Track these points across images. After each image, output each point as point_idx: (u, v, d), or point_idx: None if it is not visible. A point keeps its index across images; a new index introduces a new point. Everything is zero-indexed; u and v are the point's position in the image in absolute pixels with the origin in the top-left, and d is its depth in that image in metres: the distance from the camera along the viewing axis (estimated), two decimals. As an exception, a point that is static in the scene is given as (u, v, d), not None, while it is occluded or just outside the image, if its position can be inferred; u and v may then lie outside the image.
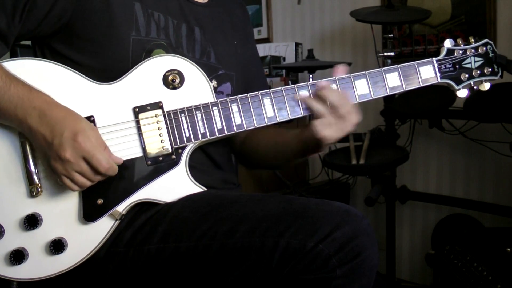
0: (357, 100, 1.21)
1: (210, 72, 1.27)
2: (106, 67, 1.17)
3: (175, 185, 1.15)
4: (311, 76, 2.64)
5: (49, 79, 1.12)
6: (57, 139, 1.03)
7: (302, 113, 1.20)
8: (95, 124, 1.12)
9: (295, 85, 1.20)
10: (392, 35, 2.43)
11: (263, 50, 3.18)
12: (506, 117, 2.14)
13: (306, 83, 1.20)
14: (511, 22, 2.46)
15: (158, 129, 1.14)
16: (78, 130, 1.04)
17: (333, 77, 1.20)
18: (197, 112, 1.16)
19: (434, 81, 1.26)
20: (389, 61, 2.36)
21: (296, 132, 1.27)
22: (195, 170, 1.18)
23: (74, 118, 1.07)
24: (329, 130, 1.15)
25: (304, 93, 1.19)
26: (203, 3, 1.34)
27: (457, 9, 2.62)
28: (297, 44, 3.17)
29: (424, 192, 2.78)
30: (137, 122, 1.14)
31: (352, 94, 1.20)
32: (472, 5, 2.56)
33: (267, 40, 3.46)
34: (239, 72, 1.39)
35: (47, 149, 1.05)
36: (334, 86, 1.20)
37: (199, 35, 1.29)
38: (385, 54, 2.35)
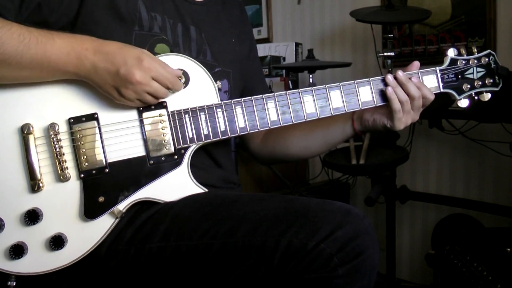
0: (361, 107, 1.24)
1: (207, 70, 1.27)
2: None
3: (177, 185, 1.15)
4: (311, 76, 2.64)
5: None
6: (122, 68, 1.06)
7: (306, 118, 1.21)
8: (98, 122, 1.12)
9: (299, 90, 1.21)
10: (392, 35, 2.43)
11: (263, 50, 3.18)
12: (506, 117, 2.14)
13: (310, 88, 1.21)
14: (511, 22, 2.46)
15: (162, 129, 1.15)
16: (139, 55, 1.08)
17: (338, 84, 1.23)
18: (201, 113, 1.16)
19: (436, 91, 1.27)
20: (389, 61, 2.36)
21: (348, 116, 1.33)
22: (195, 168, 1.18)
23: (128, 47, 1.11)
24: (405, 118, 1.24)
25: (309, 98, 1.21)
26: (199, 1, 1.35)
27: (457, 9, 2.62)
28: (297, 44, 3.17)
29: (424, 192, 2.79)
30: (141, 121, 1.14)
31: (355, 100, 1.22)
32: (472, 5, 2.56)
33: (267, 40, 3.46)
34: (236, 68, 1.39)
35: (115, 81, 1.07)
36: (338, 92, 1.22)
37: (195, 33, 1.30)
38: (385, 54, 2.35)
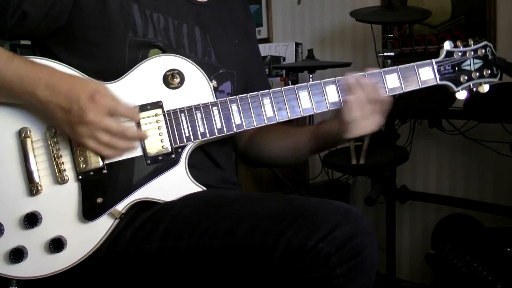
0: None
1: (211, 71, 1.27)
2: (102, 68, 1.17)
3: (175, 185, 1.15)
4: (311, 76, 2.64)
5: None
6: (75, 105, 1.04)
7: (302, 114, 1.20)
8: None
9: (295, 86, 1.21)
10: (392, 35, 2.43)
11: (263, 50, 3.17)
12: (506, 117, 2.14)
13: (305, 83, 1.21)
14: (511, 22, 2.46)
15: (158, 128, 1.14)
16: (93, 91, 1.05)
17: (333, 79, 1.21)
18: (197, 111, 1.16)
19: (433, 83, 1.26)
20: (389, 61, 2.36)
21: (311, 129, 1.30)
22: (194, 169, 1.18)
23: (83, 81, 1.08)
24: (365, 121, 1.19)
25: (304, 94, 1.20)
26: (203, 2, 1.34)
27: (457, 9, 2.62)
28: (297, 44, 3.17)
29: (424, 192, 2.78)
30: (137, 121, 1.14)
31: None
32: (472, 5, 2.55)
33: (267, 40, 3.46)
34: (240, 70, 1.39)
35: (66, 117, 1.05)
36: (333, 87, 1.21)
37: (199, 34, 1.29)
38: (385, 54, 2.35)
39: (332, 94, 1.21)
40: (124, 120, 1.10)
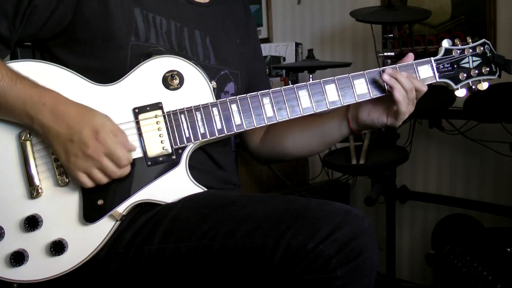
0: (357, 100, 1.23)
1: (213, 73, 1.28)
2: (104, 71, 1.17)
3: (176, 186, 1.15)
4: (311, 76, 2.64)
5: (49, 80, 1.11)
6: (76, 136, 1.04)
7: (302, 113, 1.20)
8: None
9: (294, 85, 1.21)
10: (392, 35, 2.43)
11: (263, 50, 3.14)
12: (506, 117, 2.14)
13: (305, 83, 1.21)
14: (511, 22, 2.46)
15: (158, 129, 1.14)
16: (98, 127, 1.05)
17: (332, 78, 1.22)
18: (196, 112, 1.16)
19: (432, 81, 1.27)
20: (389, 61, 2.36)
21: (340, 114, 1.33)
22: (195, 170, 1.18)
23: (88, 112, 1.08)
24: (407, 108, 1.22)
25: (304, 93, 1.20)
26: (204, 3, 1.34)
27: (457, 9, 2.62)
28: (297, 44, 3.17)
29: (424, 192, 2.78)
30: (137, 122, 1.14)
31: (351, 94, 1.22)
32: (472, 5, 2.56)
33: (267, 40, 3.46)
34: (243, 70, 1.39)
35: (65, 146, 1.05)
36: (333, 86, 1.22)
37: (199, 38, 1.30)
38: (385, 54, 2.35)
39: (331, 93, 1.22)
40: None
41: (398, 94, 1.20)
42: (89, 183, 1.07)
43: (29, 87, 1.06)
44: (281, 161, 1.56)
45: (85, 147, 1.04)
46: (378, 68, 1.24)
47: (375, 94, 1.24)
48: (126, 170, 1.10)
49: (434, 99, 2.24)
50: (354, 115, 1.32)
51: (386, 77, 1.21)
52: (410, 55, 1.26)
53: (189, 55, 1.26)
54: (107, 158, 1.06)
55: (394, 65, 1.24)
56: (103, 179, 1.08)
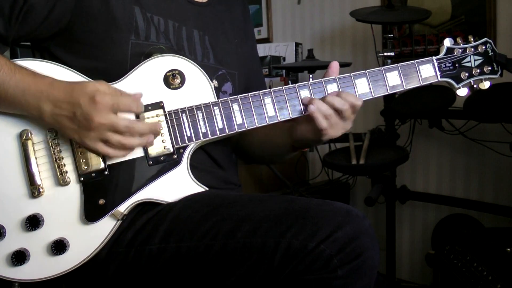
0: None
1: (211, 73, 1.27)
2: (104, 71, 1.17)
3: (177, 185, 1.15)
4: (311, 76, 2.64)
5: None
6: (78, 110, 1.03)
7: (304, 113, 1.20)
8: None
9: (296, 85, 1.20)
10: (392, 35, 2.43)
11: (263, 50, 3.18)
12: (506, 117, 2.14)
13: (306, 82, 1.21)
14: (511, 22, 2.46)
15: (159, 129, 1.14)
16: (92, 92, 1.04)
17: (334, 77, 1.20)
18: (198, 111, 1.16)
19: (434, 80, 1.27)
20: (389, 61, 2.36)
21: (287, 128, 1.30)
22: (196, 170, 1.18)
23: (79, 85, 1.07)
24: (333, 130, 1.17)
25: (305, 93, 1.19)
26: (203, 2, 1.34)
27: (457, 9, 2.62)
28: (297, 44, 3.17)
29: (424, 192, 2.78)
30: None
31: (352, 93, 1.21)
32: (472, 5, 2.56)
33: (267, 40, 3.46)
34: (241, 70, 1.39)
35: (73, 125, 1.05)
36: (334, 85, 1.20)
37: (198, 37, 1.30)
38: (385, 54, 2.35)
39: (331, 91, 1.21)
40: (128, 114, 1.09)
41: (320, 123, 1.15)
42: (111, 151, 1.07)
43: (27, 76, 1.06)
44: (253, 163, 1.59)
45: (90, 117, 1.03)
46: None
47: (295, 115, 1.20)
48: (142, 126, 1.08)
49: (434, 99, 2.24)
50: (292, 128, 1.28)
51: (311, 108, 1.14)
52: (334, 65, 1.21)
53: (187, 55, 1.26)
54: (114, 115, 1.05)
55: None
56: (122, 140, 1.06)
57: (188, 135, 1.15)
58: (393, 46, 2.51)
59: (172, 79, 1.16)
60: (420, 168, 2.84)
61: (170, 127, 1.15)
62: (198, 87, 1.18)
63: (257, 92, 1.19)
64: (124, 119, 1.07)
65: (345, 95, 1.16)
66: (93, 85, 1.06)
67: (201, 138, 1.16)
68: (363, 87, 1.22)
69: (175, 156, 1.15)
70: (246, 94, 1.18)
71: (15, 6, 1.10)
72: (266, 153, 1.45)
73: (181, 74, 1.17)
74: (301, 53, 3.20)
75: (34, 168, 1.10)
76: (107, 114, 1.04)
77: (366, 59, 2.99)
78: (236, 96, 1.18)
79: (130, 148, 1.09)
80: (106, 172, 1.11)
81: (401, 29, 2.81)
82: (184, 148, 1.16)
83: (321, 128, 1.15)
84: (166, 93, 1.16)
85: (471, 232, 2.34)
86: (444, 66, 1.27)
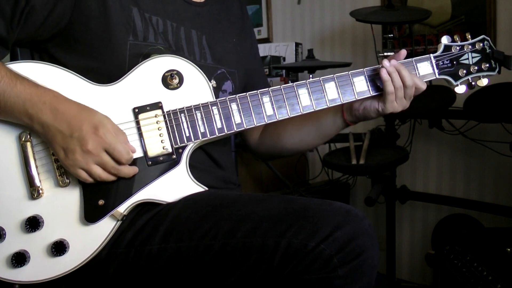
0: (356, 98, 1.23)
1: (209, 73, 1.27)
2: (103, 71, 1.17)
3: (176, 185, 1.15)
4: (311, 76, 2.64)
5: (49, 81, 1.12)
6: (76, 133, 1.04)
7: (302, 111, 1.20)
8: None
9: (294, 84, 1.21)
10: (392, 35, 2.44)
11: (263, 50, 3.17)
12: (506, 117, 2.14)
13: (304, 81, 1.21)
14: (511, 22, 2.46)
15: (158, 129, 1.14)
16: (97, 123, 1.06)
17: (332, 76, 1.22)
18: (196, 111, 1.16)
19: (432, 77, 1.27)
20: (389, 61, 2.35)
21: (334, 114, 1.33)
22: (195, 169, 1.18)
23: (88, 111, 1.09)
24: (398, 103, 1.23)
25: (303, 91, 1.20)
26: (201, 2, 1.34)
27: (457, 9, 2.61)
28: (297, 44, 3.17)
29: (424, 192, 2.78)
30: (137, 122, 1.14)
31: (350, 91, 1.22)
32: (472, 5, 2.55)
33: (267, 40, 3.46)
34: (240, 68, 1.39)
35: (64, 143, 1.05)
36: (332, 83, 1.22)
37: (196, 37, 1.30)
38: (385, 54, 2.34)
39: (331, 91, 1.22)
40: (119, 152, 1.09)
41: (388, 87, 1.21)
42: (89, 179, 1.08)
43: (29, 87, 1.07)
44: (280, 157, 1.57)
45: (85, 143, 1.04)
46: (379, 65, 1.24)
47: (373, 92, 1.24)
48: (127, 169, 1.10)
49: (434, 99, 2.24)
50: (348, 105, 1.31)
51: (383, 72, 1.21)
52: (402, 52, 1.27)
53: (186, 55, 1.25)
54: (107, 154, 1.07)
55: (394, 60, 1.24)
56: (103, 175, 1.08)
57: (187, 135, 1.16)
58: (393, 46, 2.51)
59: (170, 80, 1.16)
60: (420, 168, 2.84)
61: (169, 127, 1.15)
62: (197, 87, 1.18)
63: (255, 91, 1.19)
64: (114, 163, 1.08)
65: (412, 75, 1.22)
66: (101, 116, 1.08)
67: (200, 138, 1.16)
68: (361, 86, 1.23)
69: (174, 156, 1.15)
70: (245, 93, 1.19)
71: (16, 8, 1.10)
72: (309, 138, 1.42)
73: (179, 74, 1.17)
74: (301, 53, 3.20)
75: (34, 170, 1.10)
76: (101, 149, 1.06)
77: (366, 59, 2.99)
78: (234, 96, 1.18)
79: (104, 181, 1.10)
80: (105, 173, 1.11)
81: (401, 29, 2.81)
82: (183, 148, 1.16)
83: (388, 92, 1.20)
84: (164, 94, 1.16)
85: (471, 232, 2.34)
86: (442, 63, 1.27)
